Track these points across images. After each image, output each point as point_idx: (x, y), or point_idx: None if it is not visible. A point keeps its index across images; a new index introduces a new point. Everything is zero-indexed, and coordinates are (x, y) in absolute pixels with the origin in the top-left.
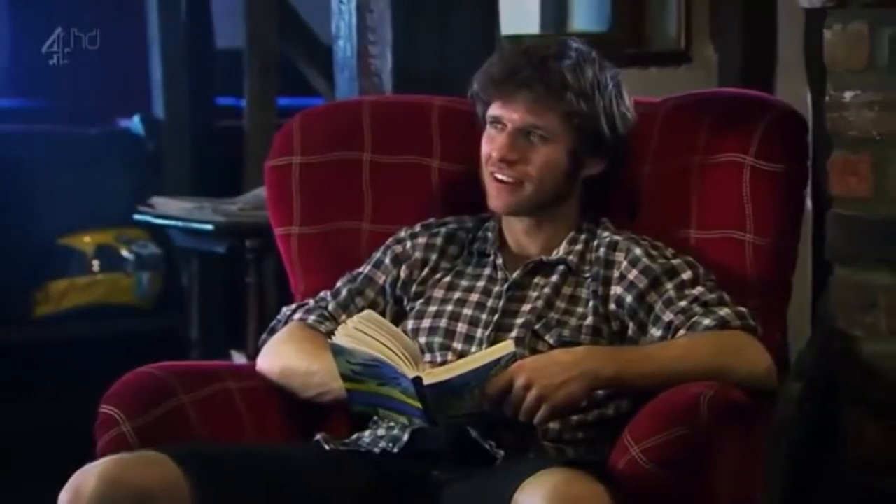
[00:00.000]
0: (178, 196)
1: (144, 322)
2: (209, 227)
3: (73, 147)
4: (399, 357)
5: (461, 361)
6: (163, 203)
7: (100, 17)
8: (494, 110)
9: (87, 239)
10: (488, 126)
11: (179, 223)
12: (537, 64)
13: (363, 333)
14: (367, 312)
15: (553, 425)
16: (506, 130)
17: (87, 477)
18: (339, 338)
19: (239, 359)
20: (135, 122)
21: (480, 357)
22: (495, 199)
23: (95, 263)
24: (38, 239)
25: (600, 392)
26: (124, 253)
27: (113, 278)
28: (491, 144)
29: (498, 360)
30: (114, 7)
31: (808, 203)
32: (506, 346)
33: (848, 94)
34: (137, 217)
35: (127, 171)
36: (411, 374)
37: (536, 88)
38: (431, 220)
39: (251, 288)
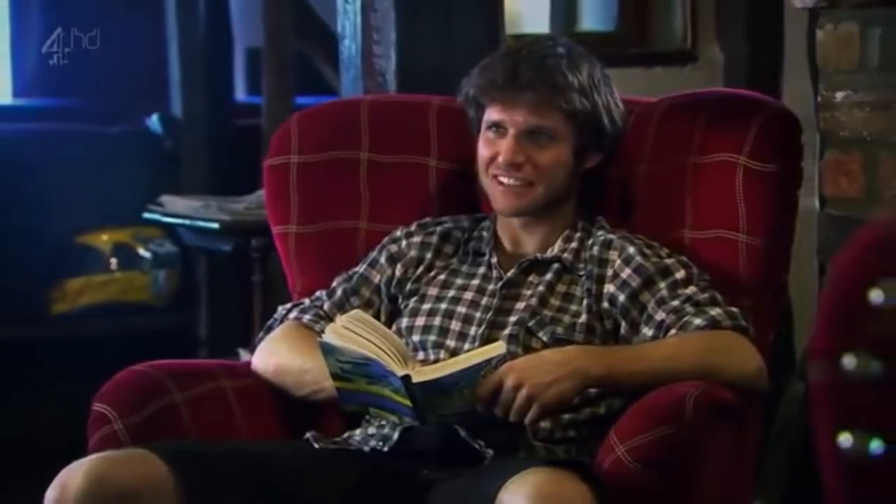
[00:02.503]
0: (195, 194)
1: (160, 320)
2: (215, 225)
3: (91, 146)
4: (388, 355)
5: (451, 361)
6: (171, 202)
7: (114, 15)
8: (494, 115)
9: (104, 237)
10: (486, 130)
11: (187, 222)
12: (537, 64)
13: (352, 332)
14: (356, 311)
15: (544, 424)
16: (509, 134)
17: (74, 474)
18: (329, 336)
19: (246, 357)
20: (153, 121)
21: (471, 357)
22: (502, 202)
23: (113, 261)
24: (56, 237)
25: (592, 391)
26: (141, 251)
27: (129, 276)
28: (492, 149)
29: (489, 361)
30: (130, 5)
31: (816, 203)
32: (497, 347)
33: (839, 95)
34: (147, 216)
35: (145, 170)
36: (400, 371)
37: (540, 89)
38: (427, 219)
39: (257, 286)
